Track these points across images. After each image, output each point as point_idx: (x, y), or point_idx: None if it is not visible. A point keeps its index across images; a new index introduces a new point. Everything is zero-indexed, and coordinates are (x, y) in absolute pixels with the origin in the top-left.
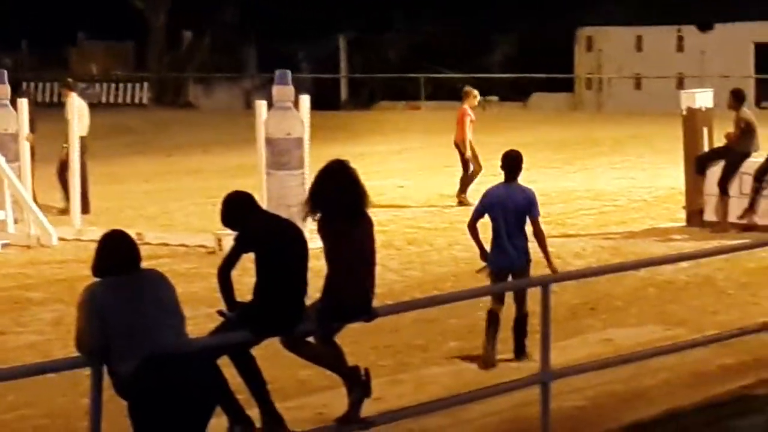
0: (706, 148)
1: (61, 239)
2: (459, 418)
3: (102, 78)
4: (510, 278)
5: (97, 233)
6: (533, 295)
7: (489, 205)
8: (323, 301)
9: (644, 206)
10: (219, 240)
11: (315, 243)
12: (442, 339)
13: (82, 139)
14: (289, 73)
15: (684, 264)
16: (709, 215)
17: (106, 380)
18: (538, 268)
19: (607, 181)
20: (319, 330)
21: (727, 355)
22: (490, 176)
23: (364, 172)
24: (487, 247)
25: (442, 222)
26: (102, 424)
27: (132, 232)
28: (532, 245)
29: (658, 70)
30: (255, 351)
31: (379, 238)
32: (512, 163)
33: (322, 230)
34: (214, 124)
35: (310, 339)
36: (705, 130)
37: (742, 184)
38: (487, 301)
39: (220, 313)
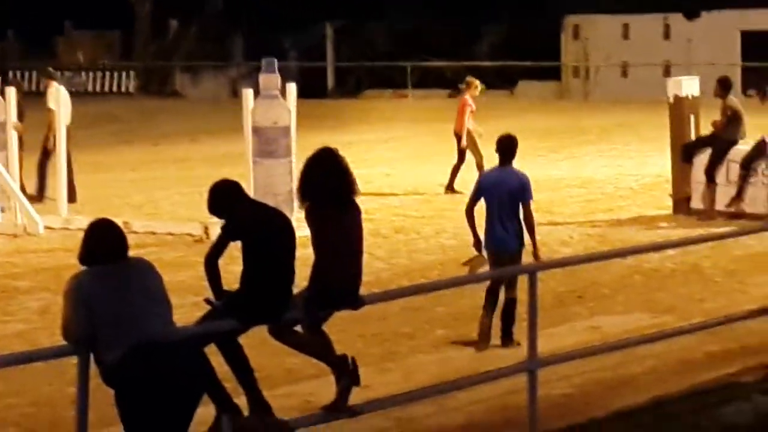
0: (692, 136)
1: (47, 228)
2: (446, 406)
3: (88, 67)
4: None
5: (83, 222)
6: (520, 282)
7: (484, 188)
8: (310, 289)
9: (631, 194)
10: (206, 228)
11: (302, 231)
12: (429, 327)
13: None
14: (275, 61)
15: (671, 252)
16: (696, 203)
17: (93, 369)
18: (525, 255)
19: (594, 169)
20: (306, 318)
21: (714, 343)
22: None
23: (351, 161)
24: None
25: (429, 210)
26: (89, 412)
27: (119, 221)
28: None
29: (645, 58)
30: (242, 339)
31: (366, 227)
32: (506, 147)
33: (310, 218)
34: (201, 113)
35: (298, 328)
36: (692, 118)
37: (729, 171)
38: (473, 288)
39: (207, 301)
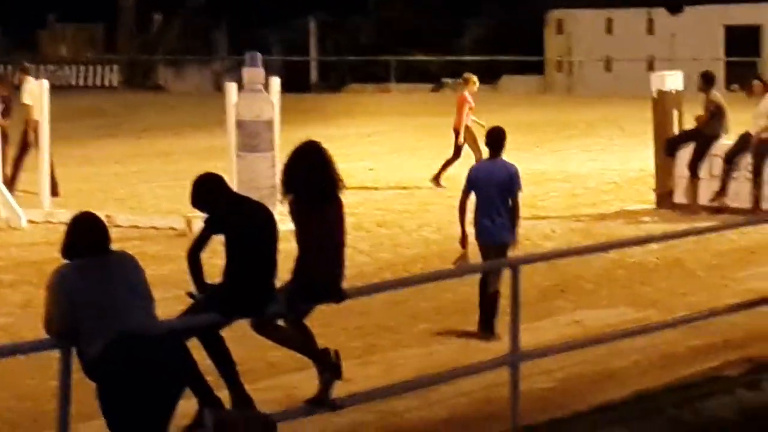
0: (676, 131)
1: (30, 222)
2: (429, 400)
3: (72, 60)
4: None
5: (66, 216)
6: (503, 276)
7: (474, 181)
8: (293, 283)
9: (614, 188)
10: (189, 222)
11: (285, 225)
12: (412, 321)
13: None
14: (259, 55)
15: (654, 246)
16: (679, 197)
17: (75, 362)
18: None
19: (577, 164)
20: (289, 312)
21: (697, 337)
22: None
23: (334, 155)
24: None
25: (412, 204)
26: (71, 406)
27: (102, 215)
28: None
29: (629, 53)
30: (224, 332)
31: (349, 221)
32: (495, 139)
33: (293, 211)
34: (185, 107)
35: (280, 321)
36: (675, 113)
37: (712, 166)
38: (456, 282)
39: (190, 294)
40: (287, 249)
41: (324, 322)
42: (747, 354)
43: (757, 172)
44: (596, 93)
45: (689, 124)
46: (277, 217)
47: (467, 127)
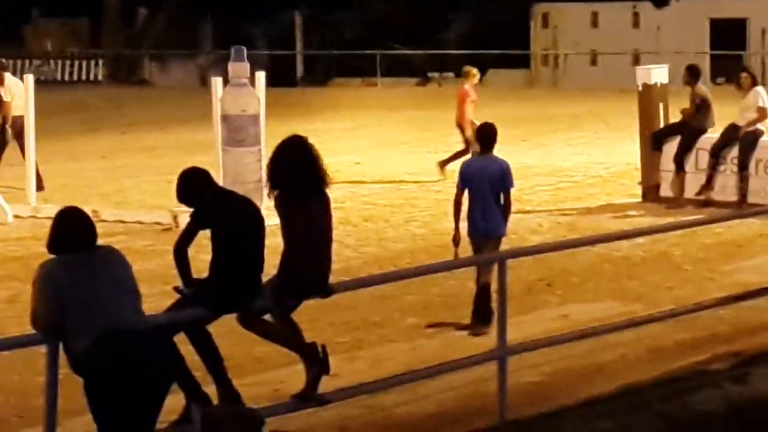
0: (662, 124)
1: (16, 217)
2: (416, 394)
3: (57, 55)
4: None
5: (52, 211)
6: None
7: (467, 176)
8: (279, 278)
9: (600, 182)
10: (175, 217)
11: (272, 220)
12: (399, 316)
13: (21, 118)
14: (244, 49)
15: (640, 240)
16: (666, 191)
17: (62, 358)
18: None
19: (563, 158)
20: (276, 307)
21: (684, 331)
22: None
23: (320, 149)
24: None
25: (398, 199)
26: (58, 401)
27: (87, 210)
28: None
29: (614, 47)
30: (211, 328)
31: (335, 215)
32: (487, 135)
33: (280, 206)
34: (170, 101)
35: (267, 316)
36: (661, 106)
37: (698, 159)
38: (443, 277)
39: (177, 289)
40: (273, 244)
41: (311, 317)
42: (734, 348)
43: (743, 166)
44: (582, 86)
45: (675, 117)
46: (263, 211)
47: (471, 122)
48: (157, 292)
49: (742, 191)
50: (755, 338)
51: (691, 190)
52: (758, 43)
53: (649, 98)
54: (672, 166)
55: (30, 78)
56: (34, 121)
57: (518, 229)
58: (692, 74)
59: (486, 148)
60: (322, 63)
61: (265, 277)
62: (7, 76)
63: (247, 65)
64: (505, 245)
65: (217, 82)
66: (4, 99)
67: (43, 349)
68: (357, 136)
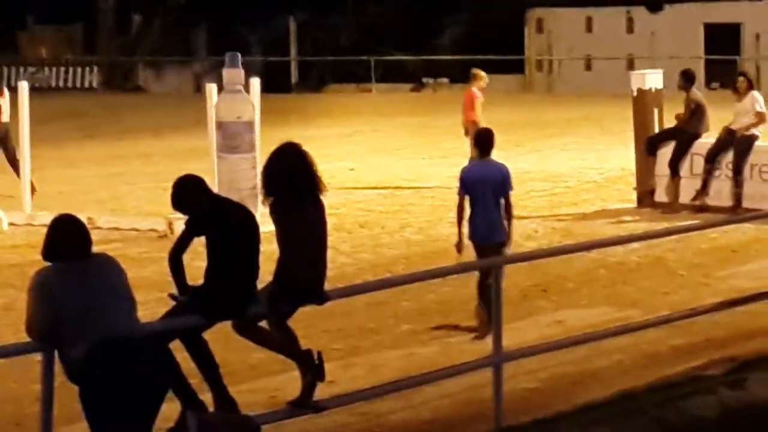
0: (656, 129)
1: (11, 224)
2: (412, 401)
3: (51, 62)
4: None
5: (48, 218)
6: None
7: (468, 182)
8: (275, 285)
9: (595, 187)
10: (170, 224)
11: (267, 226)
12: (394, 322)
13: (6, 125)
14: (239, 56)
15: (635, 245)
16: (660, 196)
17: (58, 365)
18: None
19: (558, 163)
20: (271, 313)
21: (679, 336)
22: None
23: (315, 155)
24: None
25: (393, 205)
26: (53, 409)
27: (83, 217)
28: None
29: (608, 52)
30: (207, 335)
31: (330, 221)
32: (485, 139)
33: (275, 213)
34: (165, 108)
35: (263, 323)
36: (655, 111)
37: (693, 164)
38: (438, 283)
39: (172, 296)
40: (268, 251)
41: (306, 324)
42: (729, 353)
43: (738, 170)
44: (576, 92)
45: (670, 122)
46: (258, 218)
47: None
48: (152, 300)
49: (737, 196)
50: (751, 343)
51: (686, 195)
52: (752, 47)
53: (643, 103)
54: (667, 171)
55: (25, 85)
56: (28, 128)
57: (513, 235)
58: (687, 79)
59: (484, 152)
60: (316, 69)
61: (261, 284)
62: None
63: (241, 72)
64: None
65: (211, 88)
66: None
67: (38, 356)
68: (351, 142)
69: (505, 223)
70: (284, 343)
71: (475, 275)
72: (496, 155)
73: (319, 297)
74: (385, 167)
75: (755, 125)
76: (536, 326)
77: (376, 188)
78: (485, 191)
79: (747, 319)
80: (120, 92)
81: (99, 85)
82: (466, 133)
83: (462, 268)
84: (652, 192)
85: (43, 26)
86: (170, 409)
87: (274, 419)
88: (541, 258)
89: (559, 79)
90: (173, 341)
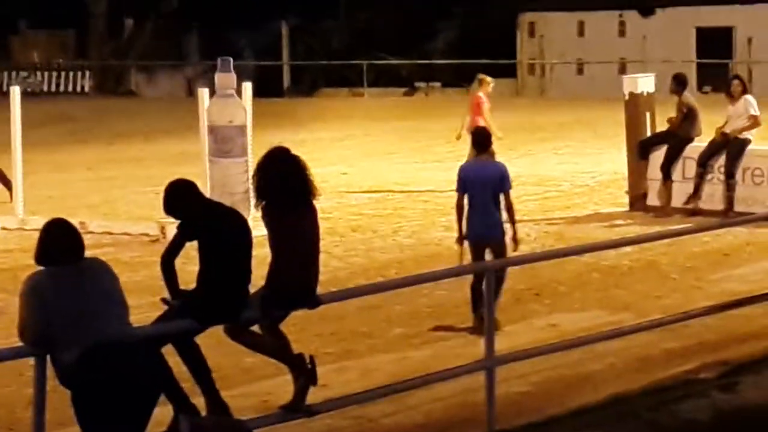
0: (648, 133)
1: (3, 229)
2: (404, 405)
3: (44, 66)
4: (487, 251)
5: (40, 222)
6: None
7: (467, 180)
8: (267, 289)
9: (588, 191)
10: (162, 228)
11: (259, 230)
12: (386, 326)
13: None
14: (231, 60)
15: (628, 249)
16: (653, 200)
17: (50, 370)
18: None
19: (550, 167)
20: (263, 318)
21: (672, 340)
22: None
23: (307, 160)
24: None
25: (385, 209)
26: (46, 414)
27: (75, 221)
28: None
29: (600, 56)
30: (199, 339)
31: (322, 225)
32: (482, 138)
33: (267, 217)
34: (157, 112)
35: (255, 327)
36: (647, 115)
37: (685, 168)
38: (430, 287)
39: (164, 301)
40: (261, 255)
41: (298, 328)
42: (722, 356)
43: (730, 174)
44: (568, 96)
45: (662, 126)
46: (250, 222)
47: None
48: (144, 304)
49: (729, 199)
50: (743, 347)
51: (678, 199)
52: (744, 51)
53: (635, 107)
54: (659, 175)
55: (17, 89)
56: (20, 132)
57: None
58: (679, 83)
59: (482, 150)
60: (308, 73)
61: (253, 288)
62: None
63: (233, 76)
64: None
65: (203, 92)
66: None
67: (31, 361)
68: (344, 147)
69: (503, 221)
70: (276, 347)
71: (469, 279)
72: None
73: (312, 301)
74: (378, 171)
75: (749, 128)
76: (529, 330)
77: (368, 192)
78: (485, 189)
79: (739, 323)
80: (112, 96)
81: (91, 90)
82: (458, 137)
83: (455, 272)
84: (645, 196)
85: (36, 31)
86: (162, 413)
87: (267, 423)
88: (533, 262)
89: (551, 83)
90: (165, 345)
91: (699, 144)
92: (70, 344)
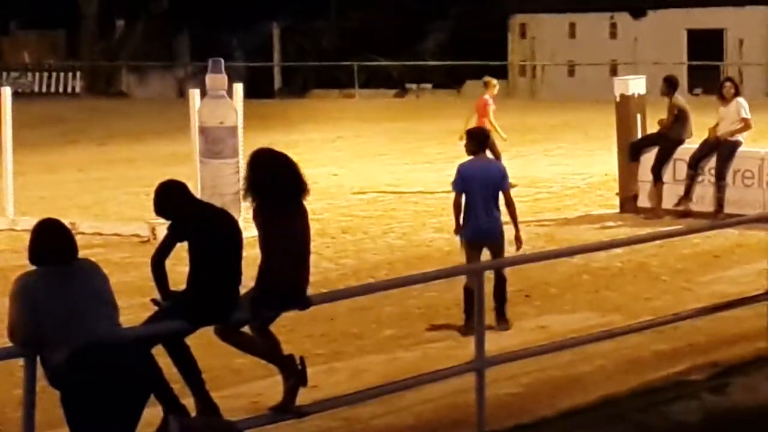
0: (639, 135)
1: None
2: (394, 406)
3: (34, 67)
4: (485, 250)
5: (30, 223)
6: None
7: (469, 178)
8: (257, 290)
9: (578, 193)
10: (153, 229)
11: (249, 232)
12: (377, 327)
13: None
14: (222, 61)
15: (618, 250)
16: (643, 202)
17: (40, 370)
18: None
19: (541, 168)
20: (253, 319)
21: (662, 341)
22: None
23: (298, 161)
24: None
25: (376, 210)
26: (35, 414)
27: (66, 222)
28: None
29: (592, 57)
30: (189, 340)
31: (313, 227)
32: (479, 137)
33: (258, 217)
34: (148, 113)
35: (245, 328)
36: (638, 117)
37: (676, 170)
38: (420, 288)
39: (154, 302)
40: (251, 256)
41: (289, 329)
42: (712, 358)
43: (720, 176)
44: (559, 97)
45: (653, 128)
46: (240, 223)
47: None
48: (135, 305)
49: (719, 201)
50: (733, 349)
51: (668, 201)
52: (735, 53)
53: (626, 109)
54: (650, 177)
55: (7, 90)
56: (11, 133)
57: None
58: (670, 85)
59: (479, 150)
60: (299, 74)
61: (243, 289)
62: None
63: (224, 77)
64: (486, 256)
65: (194, 93)
66: None
67: (21, 362)
68: (335, 148)
69: (501, 221)
70: (267, 348)
71: (461, 279)
72: None
73: (302, 302)
74: (368, 173)
75: (739, 132)
76: (519, 331)
77: (359, 193)
78: (486, 189)
79: (730, 325)
80: (103, 97)
81: (82, 90)
82: (461, 139)
83: (445, 273)
84: (635, 197)
85: (26, 31)
86: (152, 414)
87: (257, 424)
88: (524, 263)
89: (542, 84)
90: (156, 346)
91: (690, 146)
92: (59, 345)
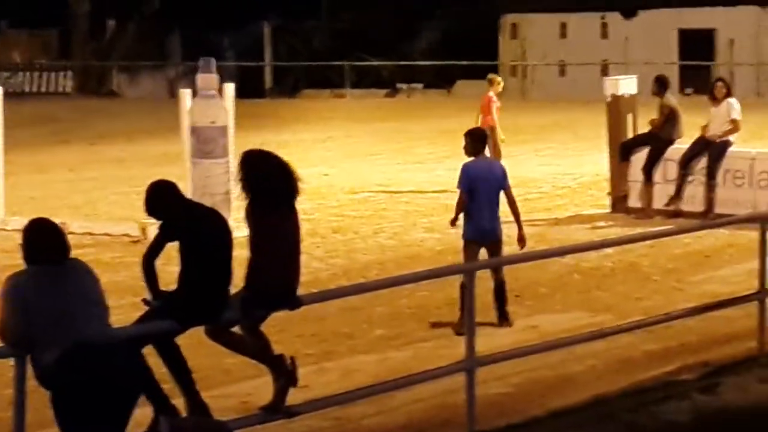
0: (630, 135)
1: None
2: (385, 406)
3: (25, 67)
4: (485, 249)
5: (20, 223)
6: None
7: (474, 178)
8: (248, 290)
9: (569, 193)
10: (143, 229)
11: (240, 232)
12: (367, 327)
13: None
14: (213, 61)
15: (609, 250)
16: (634, 202)
17: (30, 370)
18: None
19: (531, 168)
20: (244, 319)
21: (653, 341)
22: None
23: (289, 160)
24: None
25: (366, 210)
26: (26, 414)
27: (56, 222)
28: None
29: (583, 57)
30: (180, 340)
31: (304, 227)
32: (479, 137)
33: (250, 216)
34: (139, 113)
35: (235, 328)
36: (629, 117)
37: (667, 170)
38: (411, 288)
39: (145, 301)
40: (242, 256)
41: (279, 329)
42: (703, 358)
43: (711, 176)
44: (550, 97)
45: (643, 128)
46: (231, 223)
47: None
48: (125, 304)
49: (710, 201)
50: (724, 348)
51: (659, 201)
52: (726, 53)
53: (617, 109)
54: (640, 177)
55: None
56: (2, 133)
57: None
58: (661, 85)
59: (480, 150)
60: (290, 74)
61: (234, 288)
62: None
63: (215, 77)
64: (482, 255)
65: (185, 93)
66: None
67: (11, 362)
68: (325, 148)
69: (498, 220)
70: (257, 348)
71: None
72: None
73: (293, 302)
74: (359, 173)
75: (729, 133)
76: (510, 331)
77: (349, 193)
78: (491, 188)
79: (720, 324)
80: (94, 97)
81: (73, 90)
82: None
83: (436, 273)
84: (626, 197)
85: (18, 31)
86: (142, 414)
87: (247, 424)
88: (514, 263)
89: (533, 84)
90: (146, 346)
91: (681, 146)
92: (49, 344)
